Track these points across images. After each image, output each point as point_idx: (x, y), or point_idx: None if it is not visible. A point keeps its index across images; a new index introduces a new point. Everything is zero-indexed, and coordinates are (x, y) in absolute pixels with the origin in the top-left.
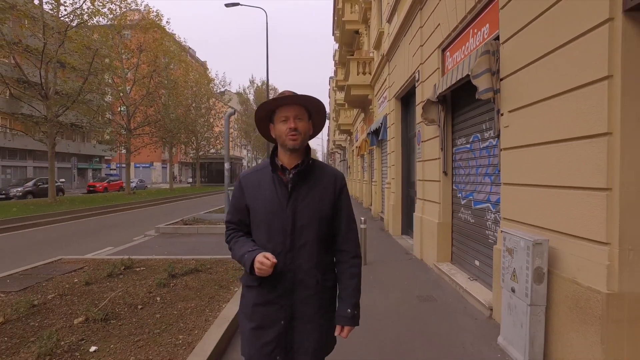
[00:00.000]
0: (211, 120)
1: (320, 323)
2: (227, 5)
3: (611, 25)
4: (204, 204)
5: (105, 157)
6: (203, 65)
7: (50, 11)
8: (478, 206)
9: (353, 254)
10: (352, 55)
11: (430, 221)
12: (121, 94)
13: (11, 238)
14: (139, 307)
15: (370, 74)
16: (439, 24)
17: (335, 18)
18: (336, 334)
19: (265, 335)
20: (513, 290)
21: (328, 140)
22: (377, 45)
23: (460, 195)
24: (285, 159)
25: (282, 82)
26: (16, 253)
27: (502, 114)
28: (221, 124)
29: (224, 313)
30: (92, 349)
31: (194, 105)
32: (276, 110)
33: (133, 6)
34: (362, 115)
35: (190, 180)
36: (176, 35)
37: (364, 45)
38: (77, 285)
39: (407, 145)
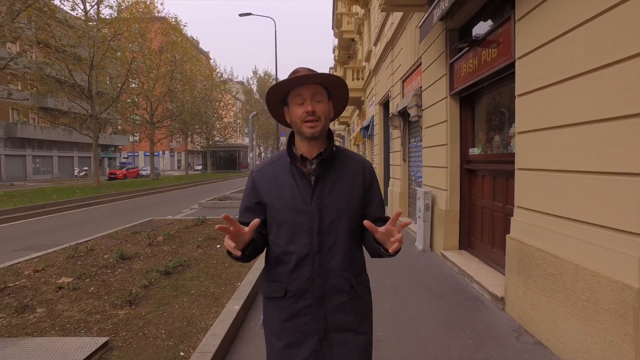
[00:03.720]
0: (220, 111)
1: (359, 331)
2: (240, 15)
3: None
4: (221, 187)
5: (119, 147)
6: (206, 56)
7: (93, 22)
8: (419, 180)
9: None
10: (349, 57)
11: (396, 192)
12: (146, 93)
13: (92, 211)
14: (223, 236)
15: (362, 79)
16: (400, 65)
17: (335, 18)
18: (383, 230)
19: (300, 353)
20: (419, 216)
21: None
22: (368, 59)
23: (412, 174)
24: (303, 147)
25: (285, 66)
26: (106, 220)
27: (423, 129)
28: (229, 115)
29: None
30: (218, 246)
31: (205, 98)
32: (290, 91)
33: (155, 13)
34: (357, 111)
35: (197, 167)
36: (187, 32)
37: (358, 51)
38: (180, 229)
39: (387, 140)
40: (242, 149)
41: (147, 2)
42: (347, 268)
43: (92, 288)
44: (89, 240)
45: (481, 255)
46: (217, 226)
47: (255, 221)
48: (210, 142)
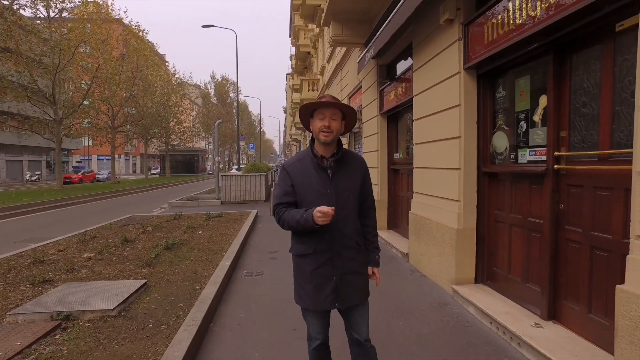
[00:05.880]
0: (180, 116)
1: (362, 273)
2: (203, 26)
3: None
4: (183, 190)
5: (71, 150)
6: (162, 58)
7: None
8: None
9: (374, 217)
10: (306, 68)
11: None
12: (108, 99)
13: (68, 212)
14: (202, 226)
15: (317, 90)
16: (347, 84)
17: (292, 29)
18: (370, 274)
19: (325, 290)
20: None
21: (285, 132)
22: (322, 73)
23: None
24: (321, 149)
25: (243, 72)
26: (86, 218)
27: (363, 138)
28: (188, 120)
29: (242, 229)
30: (200, 232)
31: (165, 103)
32: (317, 109)
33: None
34: None
35: (154, 171)
36: (148, 39)
37: (314, 64)
38: (162, 222)
39: None
40: (200, 153)
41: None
42: (354, 232)
43: (114, 258)
44: (88, 230)
45: (400, 230)
46: (329, 208)
47: (332, 209)
48: (169, 146)
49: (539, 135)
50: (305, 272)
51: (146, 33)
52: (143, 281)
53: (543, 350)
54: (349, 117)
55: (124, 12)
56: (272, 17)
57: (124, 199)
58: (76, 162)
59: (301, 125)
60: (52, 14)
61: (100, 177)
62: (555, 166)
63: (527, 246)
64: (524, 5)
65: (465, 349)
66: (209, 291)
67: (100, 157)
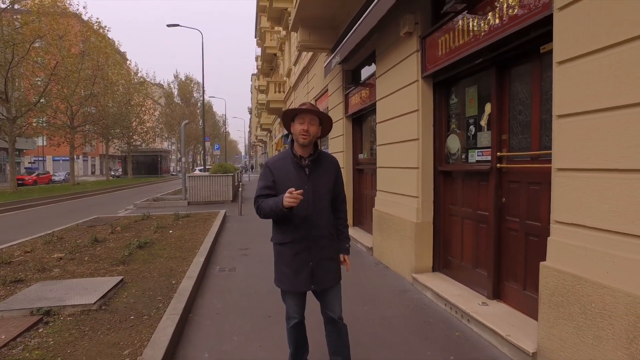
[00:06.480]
0: (143, 116)
1: (335, 259)
2: (168, 25)
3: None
4: (147, 191)
5: (23, 151)
6: (123, 56)
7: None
8: None
9: (345, 211)
10: (272, 69)
11: None
12: (67, 97)
13: (24, 215)
14: (171, 226)
15: (284, 92)
16: (314, 87)
17: (258, 30)
18: (342, 260)
19: (302, 274)
20: None
21: (250, 133)
22: (288, 75)
23: None
24: (299, 150)
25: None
26: (47, 220)
27: (329, 139)
28: (151, 120)
29: (212, 228)
30: (170, 231)
31: (127, 102)
32: (298, 114)
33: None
34: (279, 119)
35: (114, 172)
36: (105, 32)
37: (280, 66)
38: (130, 223)
39: None
40: (163, 154)
41: None
42: (328, 224)
43: (87, 258)
44: (53, 232)
45: (364, 227)
46: (297, 192)
47: (300, 192)
48: (131, 147)
49: (485, 138)
50: (285, 258)
51: (107, 30)
52: (120, 277)
53: (487, 324)
54: (326, 123)
55: (83, 7)
56: (237, 16)
57: (85, 201)
58: (29, 162)
59: (267, 126)
60: (2, 5)
61: (56, 178)
62: (498, 165)
63: (476, 236)
64: (471, 25)
65: (423, 327)
66: (187, 284)
67: (56, 158)
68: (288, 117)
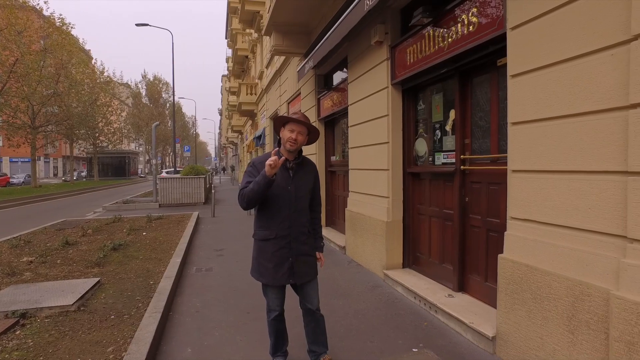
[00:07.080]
0: (109, 116)
1: (312, 255)
2: (137, 25)
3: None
4: (117, 193)
5: None
6: (87, 55)
7: None
8: None
9: (320, 211)
10: (243, 71)
11: None
12: (28, 96)
13: None
14: (144, 228)
15: (256, 94)
16: (286, 90)
17: (229, 31)
18: (318, 257)
19: (283, 268)
20: None
21: (220, 135)
22: (260, 78)
23: None
24: (285, 154)
25: (177, 73)
26: (9, 225)
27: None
28: (119, 121)
29: (187, 230)
30: (144, 233)
31: (93, 102)
32: (289, 122)
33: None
34: (250, 122)
35: (76, 175)
36: (69, 29)
37: (252, 68)
38: (101, 225)
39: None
40: (131, 155)
41: None
42: (306, 222)
43: (59, 260)
44: (20, 235)
45: (337, 227)
46: (277, 157)
47: (282, 159)
48: (97, 148)
49: (450, 141)
50: (267, 253)
51: (71, 27)
52: (96, 279)
53: (453, 313)
54: (313, 133)
55: (45, 2)
56: (207, 15)
57: (50, 204)
58: None
59: (238, 128)
60: None
61: (15, 181)
62: (462, 167)
63: (443, 233)
64: (437, 37)
65: (394, 318)
66: (165, 284)
67: (13, 159)
68: (280, 123)
